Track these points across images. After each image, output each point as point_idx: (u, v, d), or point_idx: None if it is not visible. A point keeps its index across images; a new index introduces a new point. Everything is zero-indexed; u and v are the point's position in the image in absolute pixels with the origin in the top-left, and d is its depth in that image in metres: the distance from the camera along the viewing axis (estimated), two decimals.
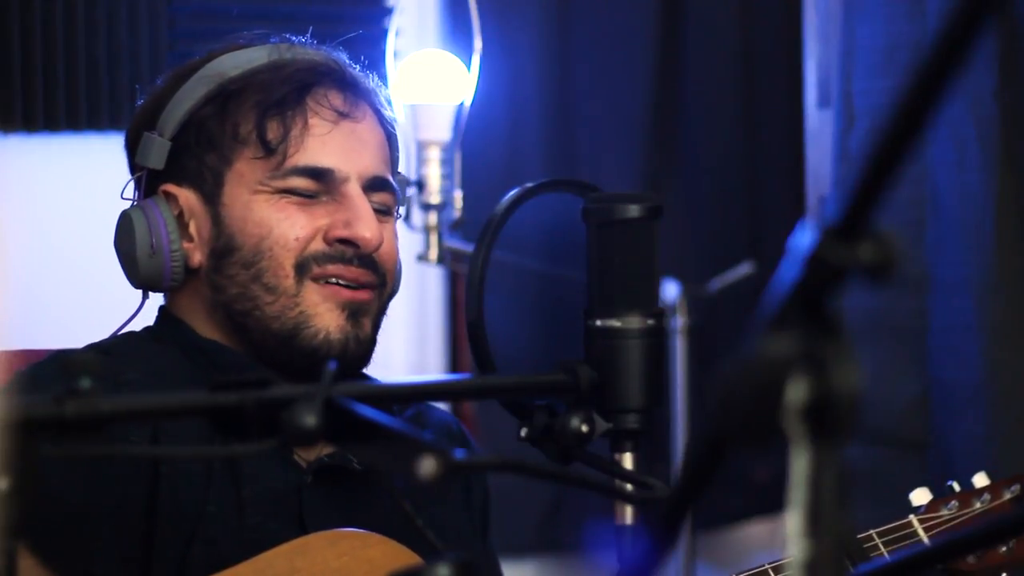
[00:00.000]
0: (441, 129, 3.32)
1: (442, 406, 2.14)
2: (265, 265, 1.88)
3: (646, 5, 4.08)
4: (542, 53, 3.98)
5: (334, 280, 1.89)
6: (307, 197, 1.89)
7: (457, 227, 3.36)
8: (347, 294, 1.89)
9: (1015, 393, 3.12)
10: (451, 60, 3.35)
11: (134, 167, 1.96)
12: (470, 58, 3.35)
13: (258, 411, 1.27)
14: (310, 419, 1.23)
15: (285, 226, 1.88)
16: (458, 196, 3.35)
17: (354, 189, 1.91)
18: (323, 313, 1.88)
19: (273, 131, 1.89)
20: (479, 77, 3.34)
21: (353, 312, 1.89)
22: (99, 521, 1.78)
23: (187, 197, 1.91)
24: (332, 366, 1.28)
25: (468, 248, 3.26)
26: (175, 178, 1.92)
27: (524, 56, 3.95)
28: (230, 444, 1.36)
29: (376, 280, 1.92)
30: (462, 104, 3.33)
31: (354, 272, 1.90)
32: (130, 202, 1.96)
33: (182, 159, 1.92)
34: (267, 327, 1.88)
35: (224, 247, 1.89)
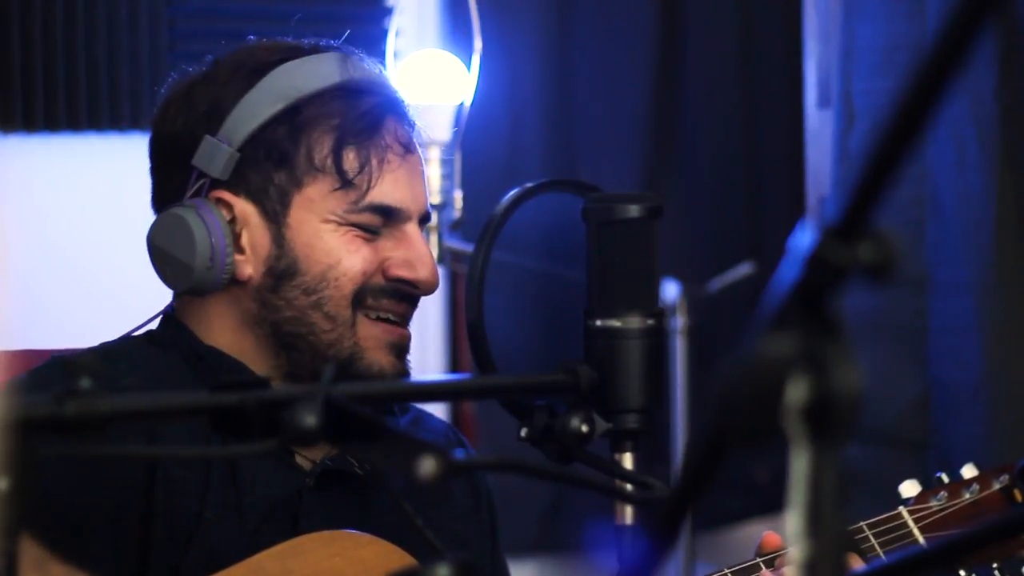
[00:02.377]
0: (441, 129, 3.32)
1: (439, 409, 2.14)
2: (328, 294, 1.87)
3: (646, 5, 4.08)
4: (542, 53, 3.98)
5: (385, 316, 1.90)
6: (370, 232, 1.89)
7: (457, 227, 3.37)
8: (397, 333, 1.90)
9: (1015, 393, 3.12)
10: (451, 60, 3.35)
11: (178, 161, 1.89)
12: (470, 58, 3.35)
13: (258, 411, 1.27)
14: (310, 419, 1.23)
15: (355, 259, 1.88)
16: (458, 196, 3.35)
17: (413, 228, 1.92)
18: (374, 349, 1.88)
19: (350, 162, 1.88)
20: (479, 77, 3.34)
21: (399, 350, 1.91)
22: (94, 525, 1.77)
23: (244, 209, 1.88)
24: (332, 367, 1.28)
25: (468, 248, 3.26)
26: (233, 187, 1.88)
27: (524, 56, 3.95)
28: (230, 444, 1.36)
29: (412, 313, 1.94)
30: (462, 104, 3.33)
31: (403, 308, 1.91)
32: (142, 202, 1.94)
33: (245, 170, 1.87)
34: (319, 352, 1.87)
35: (286, 269, 1.87)
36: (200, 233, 1.86)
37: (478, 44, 3.36)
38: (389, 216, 1.90)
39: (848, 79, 3.31)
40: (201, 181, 1.87)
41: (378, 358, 1.88)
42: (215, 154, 1.86)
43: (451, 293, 3.78)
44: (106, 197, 3.35)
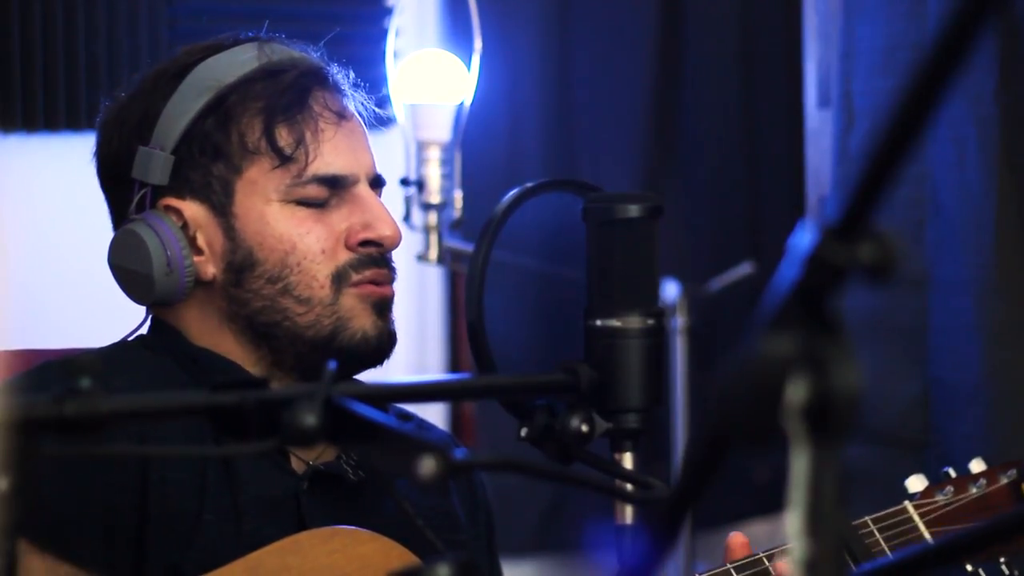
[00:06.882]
0: (441, 129, 3.32)
1: (439, 409, 2.14)
2: (295, 280, 1.87)
3: (646, 5, 4.08)
4: (542, 53, 3.98)
5: (370, 282, 1.89)
6: (317, 206, 1.89)
7: (457, 227, 3.37)
8: (378, 292, 1.90)
9: (1015, 393, 3.12)
10: (451, 60, 3.35)
11: (121, 179, 1.91)
12: (470, 58, 3.35)
13: (258, 411, 1.27)
14: (310, 419, 1.23)
15: (309, 240, 1.87)
16: (458, 196, 3.35)
17: (364, 189, 1.91)
18: (359, 315, 1.88)
19: (284, 139, 1.88)
20: (479, 77, 3.34)
21: (381, 308, 1.90)
22: (88, 529, 1.77)
23: (193, 210, 1.88)
24: (332, 366, 1.28)
25: (468, 248, 3.26)
26: (176, 191, 1.89)
27: (524, 56, 3.95)
28: (226, 444, 1.36)
29: (393, 275, 1.93)
30: (462, 104, 3.33)
31: (384, 272, 1.91)
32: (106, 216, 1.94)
33: (184, 171, 1.88)
34: (299, 335, 1.87)
35: (242, 262, 1.87)
36: (152, 243, 1.87)
37: (478, 44, 3.36)
38: (335, 185, 1.89)
39: (848, 79, 3.31)
40: (143, 191, 1.88)
41: (361, 324, 1.88)
42: (150, 162, 1.88)
43: (451, 293, 3.78)
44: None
